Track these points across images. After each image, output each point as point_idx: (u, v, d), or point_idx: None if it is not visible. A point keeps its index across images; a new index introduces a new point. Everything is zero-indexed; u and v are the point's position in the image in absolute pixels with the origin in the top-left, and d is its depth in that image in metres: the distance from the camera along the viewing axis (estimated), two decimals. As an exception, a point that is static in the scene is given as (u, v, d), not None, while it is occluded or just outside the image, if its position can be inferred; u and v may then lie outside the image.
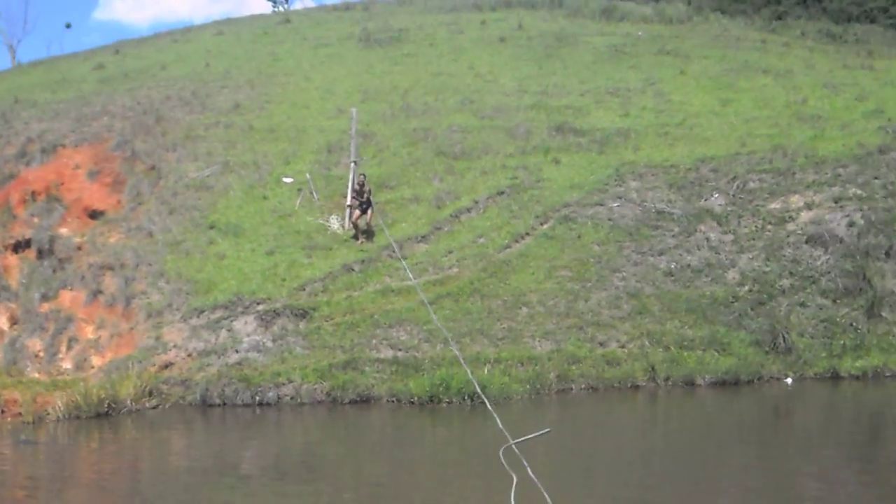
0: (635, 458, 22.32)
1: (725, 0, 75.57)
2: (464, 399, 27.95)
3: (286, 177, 40.55)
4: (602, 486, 19.80)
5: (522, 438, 20.37)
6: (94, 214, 38.55)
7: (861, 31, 66.99)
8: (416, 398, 28.22)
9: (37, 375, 31.42)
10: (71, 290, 34.66)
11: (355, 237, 35.69)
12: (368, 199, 35.63)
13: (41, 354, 32.39)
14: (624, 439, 24.65)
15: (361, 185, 35.72)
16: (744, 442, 24.03)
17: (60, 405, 27.65)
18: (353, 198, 36.36)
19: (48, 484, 21.12)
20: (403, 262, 33.11)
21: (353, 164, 37.70)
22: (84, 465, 23.85)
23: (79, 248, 36.46)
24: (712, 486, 19.49)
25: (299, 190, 39.27)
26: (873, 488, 18.96)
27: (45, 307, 34.05)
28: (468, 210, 37.38)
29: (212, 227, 36.93)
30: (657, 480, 19.92)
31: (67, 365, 31.87)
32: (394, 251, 34.28)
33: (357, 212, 35.79)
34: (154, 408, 28.74)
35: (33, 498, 20.12)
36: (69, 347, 32.46)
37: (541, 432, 21.13)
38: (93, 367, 31.38)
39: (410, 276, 32.34)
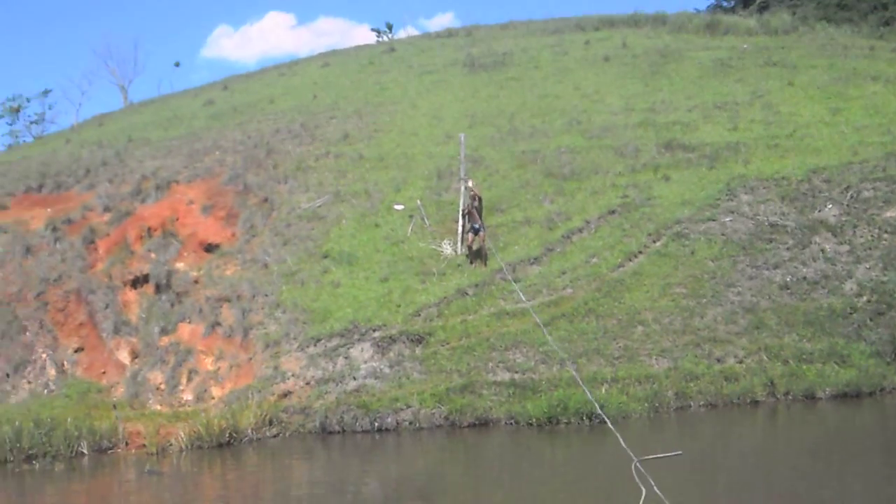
0: (759, 474, 21.99)
1: (830, 8, 74.67)
2: (582, 419, 27.93)
3: (397, 204, 40.76)
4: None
5: (651, 457, 20.11)
6: (209, 248, 39.12)
7: (973, 34, 65.82)
8: (534, 420, 28.21)
9: (158, 408, 31.94)
10: (189, 322, 35.19)
11: (471, 261, 35.70)
12: (480, 216, 35.76)
13: (162, 387, 32.91)
14: (747, 456, 24.33)
15: (473, 199, 35.86)
16: (870, 457, 23.55)
17: (183, 436, 28.17)
18: (465, 213, 36.58)
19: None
20: (515, 285, 33.06)
21: (462, 187, 37.74)
22: (207, 493, 24.21)
23: (196, 282, 37.00)
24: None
25: (410, 216, 39.46)
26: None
27: (165, 340, 34.61)
28: (580, 230, 37.22)
29: (325, 257, 37.27)
30: (784, 499, 19.63)
31: (188, 396, 32.35)
32: (507, 274, 34.31)
33: (470, 235, 35.81)
34: (274, 436, 29.14)
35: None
36: (189, 379, 32.95)
37: (672, 453, 20.85)
38: (213, 398, 31.86)
39: (523, 297, 32.30)
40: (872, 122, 44.99)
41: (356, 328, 32.42)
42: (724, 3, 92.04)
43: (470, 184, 37.15)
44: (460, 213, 37.33)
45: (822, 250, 35.30)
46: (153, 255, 38.52)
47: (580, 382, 26.89)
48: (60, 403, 31.89)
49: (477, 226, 35.65)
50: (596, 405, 25.52)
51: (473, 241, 35.86)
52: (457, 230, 37.57)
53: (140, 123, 62.21)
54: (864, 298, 33.22)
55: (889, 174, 38.49)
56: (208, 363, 33.41)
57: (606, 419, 22.82)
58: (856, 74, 52.75)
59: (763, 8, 78.66)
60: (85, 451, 28.48)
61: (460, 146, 39.57)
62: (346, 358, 31.50)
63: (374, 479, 24.52)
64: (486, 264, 35.52)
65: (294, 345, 32.58)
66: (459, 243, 37.07)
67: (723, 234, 36.18)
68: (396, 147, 47.69)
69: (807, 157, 41.22)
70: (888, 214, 36.52)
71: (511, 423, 28.53)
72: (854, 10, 74.27)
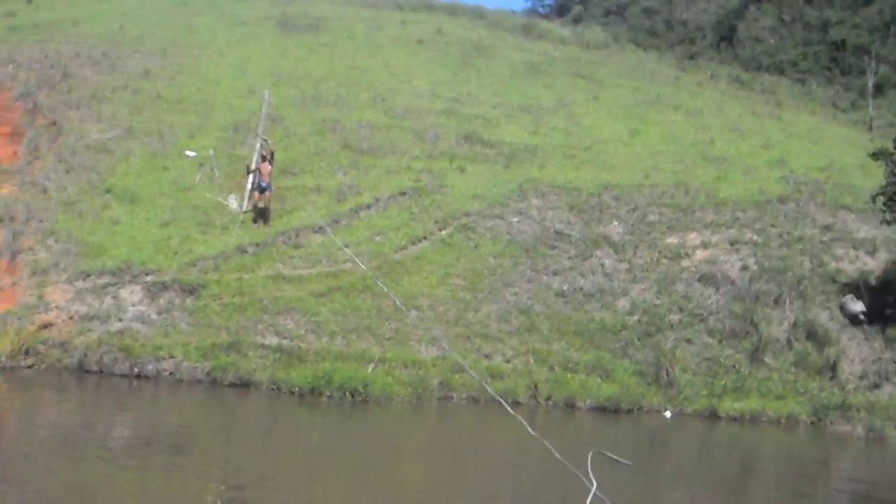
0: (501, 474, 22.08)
1: (641, 33, 76.62)
2: (345, 395, 27.80)
3: (189, 150, 39.96)
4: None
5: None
6: (-13, 164, 37.60)
7: (769, 81, 68.07)
8: (296, 388, 27.96)
9: (-87, 325, 30.51)
10: (-44, 238, 33.75)
11: (254, 219, 35.23)
12: (269, 175, 35.45)
13: (-81, 303, 31.51)
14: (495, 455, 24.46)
15: (266, 156, 35.62)
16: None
17: (-70, 354, 26.98)
18: (254, 170, 36.09)
19: None
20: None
21: (258, 143, 37.21)
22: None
23: (-33, 196, 35.55)
24: None
25: (201, 165, 38.75)
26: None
27: (-71, 254, 33.13)
28: (368, 207, 37.10)
29: (108, 192, 36.25)
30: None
31: (-55, 315, 31.02)
32: (290, 238, 34.00)
33: (257, 193, 35.33)
34: (29, 367, 28.11)
35: None
36: (-52, 297, 31.61)
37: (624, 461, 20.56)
38: (-30, 320, 30.57)
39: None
40: (668, 148, 46.23)
41: (129, 269, 31.58)
42: (540, 9, 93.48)
43: (268, 140, 36.63)
44: (250, 169, 36.65)
45: (602, 265, 35.95)
46: (-72, 164, 36.87)
47: (468, 369, 27.00)
48: None
49: (264, 184, 35.18)
50: (489, 389, 25.66)
51: (259, 199, 35.37)
52: (245, 186, 36.92)
53: (-70, 27, 59.72)
54: (636, 318, 33.96)
55: (676, 202, 39.48)
56: (-31, 282, 32.10)
57: (503, 402, 22.22)
58: (659, 101, 54.21)
59: (577, 20, 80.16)
60: None
61: (263, 102, 39.22)
62: (114, 298, 30.64)
63: (125, 424, 23.88)
64: (268, 224, 35.05)
65: (63, 276, 31.51)
66: (246, 200, 36.45)
67: (508, 234, 36.50)
68: (197, 92, 46.87)
69: (601, 173, 42.04)
70: (669, 240, 37.41)
71: (273, 389, 28.18)
72: (663, 39, 76.50)
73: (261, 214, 35.42)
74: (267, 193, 35.18)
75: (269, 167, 35.41)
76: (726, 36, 76.91)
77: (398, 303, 28.57)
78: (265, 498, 17.76)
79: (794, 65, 73.58)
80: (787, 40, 75.42)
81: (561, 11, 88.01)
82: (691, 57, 72.63)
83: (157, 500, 16.92)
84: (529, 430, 14.32)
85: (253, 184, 36.11)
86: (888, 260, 36.89)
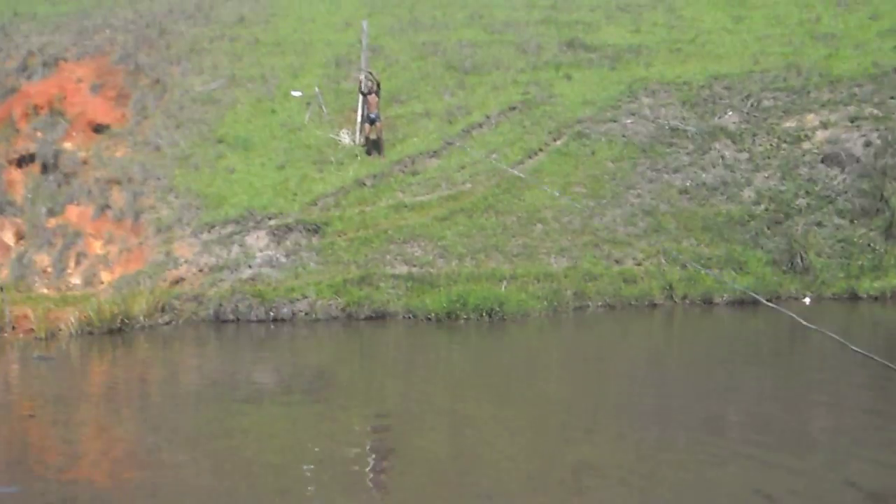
0: (651, 377, 21.80)
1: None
2: (481, 315, 27.74)
3: (295, 90, 39.88)
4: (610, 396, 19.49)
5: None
6: (98, 129, 37.84)
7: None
8: (432, 314, 27.95)
9: (45, 291, 30.96)
10: (78, 205, 34.10)
11: (367, 151, 35.08)
12: (378, 106, 35.16)
13: (49, 270, 31.92)
14: (642, 358, 24.21)
15: (372, 87, 35.18)
16: (760, 363, 23.43)
17: (73, 321, 27.37)
18: (363, 102, 35.84)
19: (58, 400, 20.67)
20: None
21: (362, 75, 36.94)
22: (97, 380, 23.57)
23: (84, 163, 35.84)
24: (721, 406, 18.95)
25: (308, 104, 38.62)
26: (881, 417, 18.40)
27: (53, 222, 33.52)
28: (480, 125, 36.75)
29: (220, 142, 36.36)
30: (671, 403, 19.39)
31: (76, 280, 31.42)
32: (406, 166, 33.90)
33: (367, 125, 35.15)
34: (167, 324, 28.48)
35: (43, 413, 19.74)
36: (78, 263, 31.99)
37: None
38: (102, 283, 30.97)
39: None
40: (774, 32, 44.90)
41: (251, 215, 31.73)
42: None
43: (372, 72, 36.34)
44: (359, 101, 36.49)
45: (722, 157, 35.26)
46: (39, 134, 37.12)
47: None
48: (-60, 284, 30.88)
49: (374, 115, 34.92)
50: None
51: (371, 130, 35.17)
52: (355, 119, 36.85)
53: (26, -3, 60.08)
54: (762, 207, 33.28)
55: (789, 85, 38.40)
56: (97, 247, 32.46)
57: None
58: (759, -19, 52.64)
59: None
60: (-31, 334, 27.62)
61: (362, 33, 38.91)
62: (240, 245, 30.86)
63: (266, 369, 24.01)
64: (382, 154, 34.89)
65: (187, 231, 31.80)
66: (358, 133, 36.36)
67: (623, 136, 35.95)
68: (293, 32, 46.69)
69: (708, 64, 41.03)
70: (787, 124, 36.51)
71: (409, 317, 28.23)
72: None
73: (374, 146, 35.21)
74: (377, 124, 34.91)
75: (377, 98, 35.07)
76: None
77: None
78: (411, 426, 17.65)
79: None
80: None
81: None
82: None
83: (303, 439, 16.85)
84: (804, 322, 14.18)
85: (363, 116, 35.94)
86: None
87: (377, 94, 35.09)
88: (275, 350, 26.52)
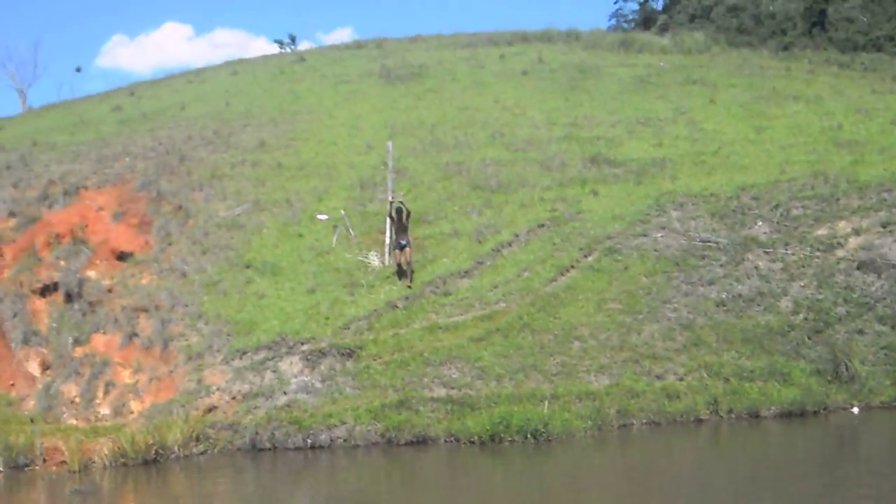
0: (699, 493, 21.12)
1: (731, 32, 74.76)
2: (526, 437, 27.08)
3: (320, 214, 39.61)
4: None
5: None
6: (121, 256, 37.48)
7: (868, 59, 65.71)
8: (475, 437, 27.32)
9: (74, 422, 30.40)
10: (104, 333, 33.64)
11: (399, 277, 34.56)
12: (407, 231, 34.56)
13: (77, 400, 31.38)
14: (690, 474, 23.57)
15: (401, 214, 34.58)
16: (808, 477, 22.76)
17: (106, 452, 26.77)
18: (392, 223, 35.32)
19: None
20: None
21: (390, 200, 36.59)
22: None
23: (109, 291, 35.44)
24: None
25: (335, 227, 38.28)
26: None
27: (79, 352, 33.02)
28: (509, 244, 36.43)
29: (248, 267, 35.96)
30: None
31: (105, 410, 30.86)
32: (437, 286, 33.48)
33: (397, 251, 34.64)
34: (202, 453, 27.84)
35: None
36: (106, 392, 31.46)
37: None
38: (132, 413, 30.43)
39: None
40: (797, 140, 44.87)
41: (284, 341, 31.26)
42: (625, 25, 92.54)
43: (401, 197, 35.90)
44: (387, 223, 36.19)
45: (756, 267, 34.89)
46: (62, 263, 36.74)
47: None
48: (-33, 418, 30.31)
49: (404, 242, 34.44)
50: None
51: (400, 256, 34.64)
52: (384, 241, 36.51)
53: (44, 128, 60.18)
54: (801, 316, 32.86)
55: (817, 192, 38.19)
56: (126, 376, 31.95)
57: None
58: (776, 94, 52.87)
59: (664, 29, 78.86)
60: (0, 468, 26.88)
61: (388, 154, 38.65)
62: (274, 371, 30.32)
63: (305, 498, 23.30)
64: (411, 281, 34.31)
65: (218, 357, 31.28)
66: (387, 255, 35.97)
67: (655, 250, 35.60)
68: (316, 156, 46.51)
69: (734, 175, 40.89)
70: (819, 232, 36.21)
71: (451, 441, 27.59)
72: (754, 35, 74.50)
73: (402, 273, 34.67)
74: (407, 250, 34.38)
75: (406, 226, 34.57)
76: (818, 21, 75.23)
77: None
78: None
79: (890, 39, 71.40)
80: (879, 16, 73.48)
81: (646, 24, 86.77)
82: (785, 48, 70.95)
83: None
84: None
85: (391, 240, 35.56)
86: None
87: (406, 220, 34.55)
88: (314, 478, 25.92)
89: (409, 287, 33.94)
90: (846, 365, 30.39)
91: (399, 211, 34.52)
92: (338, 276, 35.10)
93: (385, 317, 32.35)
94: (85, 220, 39.20)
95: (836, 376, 30.40)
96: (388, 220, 36.08)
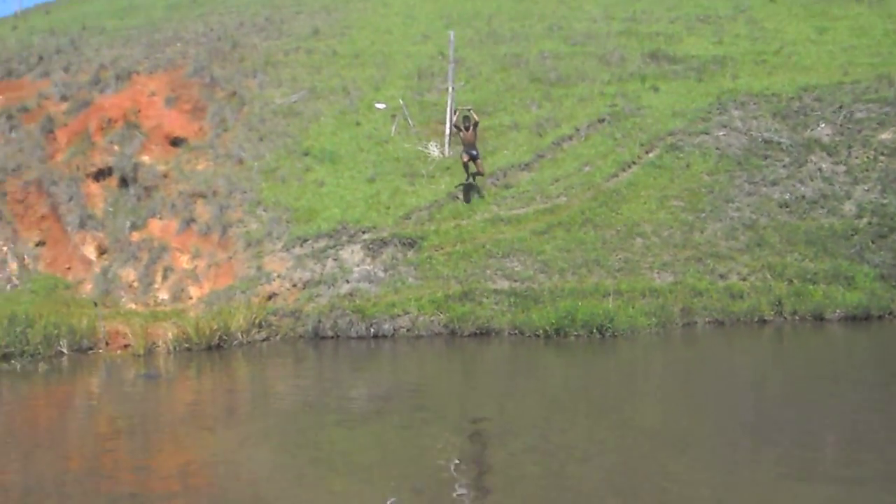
0: (750, 396, 20.86)
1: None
2: (591, 332, 26.84)
3: (378, 103, 39.16)
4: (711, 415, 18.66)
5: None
6: (175, 142, 37.20)
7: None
8: (540, 331, 27.10)
9: (133, 306, 30.37)
10: (161, 219, 33.51)
11: (468, 188, 33.62)
12: (475, 137, 33.35)
13: (135, 285, 31.33)
14: (745, 377, 23.28)
15: (467, 122, 33.22)
16: (868, 382, 22.23)
17: (170, 337, 26.74)
18: (457, 130, 34.34)
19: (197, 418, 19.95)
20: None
21: (457, 109, 35.89)
22: (206, 397, 22.69)
23: (165, 176, 35.22)
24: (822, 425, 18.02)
25: (393, 116, 37.89)
26: None
27: (136, 236, 32.93)
28: (570, 138, 35.97)
29: (306, 154, 35.62)
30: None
31: (164, 295, 30.81)
32: (498, 179, 33.11)
33: (468, 160, 33.71)
34: (264, 340, 27.90)
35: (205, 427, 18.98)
36: (165, 278, 31.41)
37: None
38: (191, 298, 30.40)
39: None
40: (860, 42, 43.97)
41: (344, 229, 31.03)
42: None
43: (471, 111, 34.84)
44: (448, 115, 35.72)
45: (819, 170, 34.37)
46: (116, 148, 36.55)
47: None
48: (27, 299, 30.33)
49: (474, 152, 33.42)
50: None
51: (469, 164, 33.74)
52: (442, 132, 36.10)
53: (92, 12, 59.84)
54: (865, 220, 32.40)
55: (881, 96, 37.43)
56: (184, 261, 31.84)
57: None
58: (838, -6, 51.70)
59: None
60: (64, 351, 26.87)
61: (450, 44, 38.01)
62: (335, 260, 30.14)
63: (364, 386, 23.08)
64: (482, 194, 33.33)
65: (278, 245, 31.09)
66: (447, 146, 35.55)
67: (717, 149, 35.09)
68: (371, 45, 46.00)
69: (796, 75, 40.15)
70: (883, 136, 35.57)
71: (515, 334, 27.40)
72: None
73: (470, 188, 33.57)
74: (478, 161, 33.33)
75: (474, 135, 33.46)
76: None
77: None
78: (508, 445, 16.83)
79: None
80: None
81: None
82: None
83: (394, 458, 16.33)
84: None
85: (452, 131, 34.96)
86: None
87: (474, 130, 33.30)
88: (377, 367, 25.65)
89: (483, 197, 33.25)
90: (912, 271, 30.06)
91: (467, 119, 33.27)
92: (397, 166, 34.76)
93: (446, 207, 32.10)
94: (137, 105, 38.87)
95: (902, 282, 30.06)
96: (454, 128, 34.99)
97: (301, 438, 17.81)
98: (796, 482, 14.18)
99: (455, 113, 33.73)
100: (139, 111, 38.59)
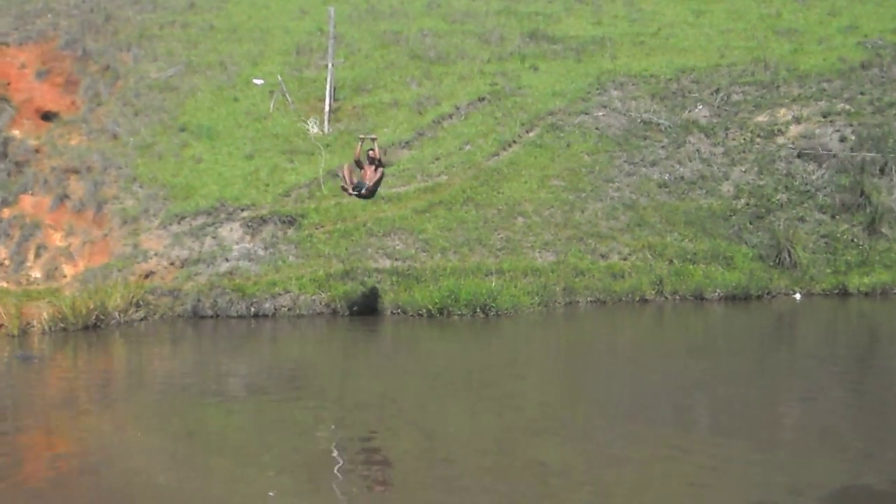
0: (627, 373, 21.07)
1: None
2: (475, 311, 26.96)
3: (256, 78, 38.61)
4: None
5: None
6: (47, 116, 36.24)
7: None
8: (423, 310, 27.20)
9: (5, 284, 29.46)
10: (33, 195, 32.49)
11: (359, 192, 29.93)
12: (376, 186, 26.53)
13: (7, 263, 30.33)
14: (624, 354, 23.55)
15: (372, 160, 26.14)
16: (743, 357, 22.70)
17: (45, 317, 26.03)
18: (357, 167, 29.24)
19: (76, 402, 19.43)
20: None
21: (360, 137, 32.91)
22: (85, 379, 22.12)
23: (36, 151, 34.22)
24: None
25: (271, 92, 37.37)
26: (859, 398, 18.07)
27: (7, 213, 31.88)
28: (450, 116, 35.88)
29: (183, 130, 34.98)
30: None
31: (37, 274, 29.92)
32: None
33: (353, 190, 28.74)
34: (142, 319, 27.36)
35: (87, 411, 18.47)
36: (38, 255, 30.45)
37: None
38: (65, 277, 29.57)
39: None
40: (736, 26, 44.48)
41: (223, 207, 30.52)
42: None
43: (373, 139, 29.11)
44: (327, 90, 35.41)
45: (698, 151, 34.88)
46: (-16, 121, 35.52)
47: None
48: None
49: (364, 192, 28.28)
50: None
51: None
52: (322, 108, 35.73)
53: (-42, -19, 58.12)
54: (743, 201, 33.10)
55: (757, 79, 37.99)
56: (58, 238, 30.95)
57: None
58: (714, -23, 52.17)
59: None
60: (-68, 333, 26.03)
61: (329, 20, 37.62)
62: (214, 238, 29.63)
63: (243, 366, 22.83)
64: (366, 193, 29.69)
65: (155, 222, 30.46)
66: (326, 122, 35.17)
67: (597, 129, 35.33)
68: (249, 19, 45.32)
69: (674, 57, 40.50)
70: (759, 119, 36.17)
71: (398, 313, 27.29)
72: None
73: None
74: (379, 170, 26.05)
75: (376, 177, 26.29)
76: None
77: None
78: (383, 423, 16.85)
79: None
80: None
81: None
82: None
83: (277, 435, 16.22)
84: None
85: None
86: None
87: (378, 171, 25.98)
88: (255, 347, 25.39)
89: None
90: (788, 251, 30.77)
91: (371, 157, 26.10)
92: (276, 143, 34.33)
93: (326, 185, 31.70)
94: (7, 78, 37.76)
95: (779, 262, 30.79)
96: (355, 164, 26.76)
97: (179, 420, 17.52)
98: (668, 461, 14.26)
99: (359, 143, 27.81)
100: (9, 84, 37.49)
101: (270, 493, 13.26)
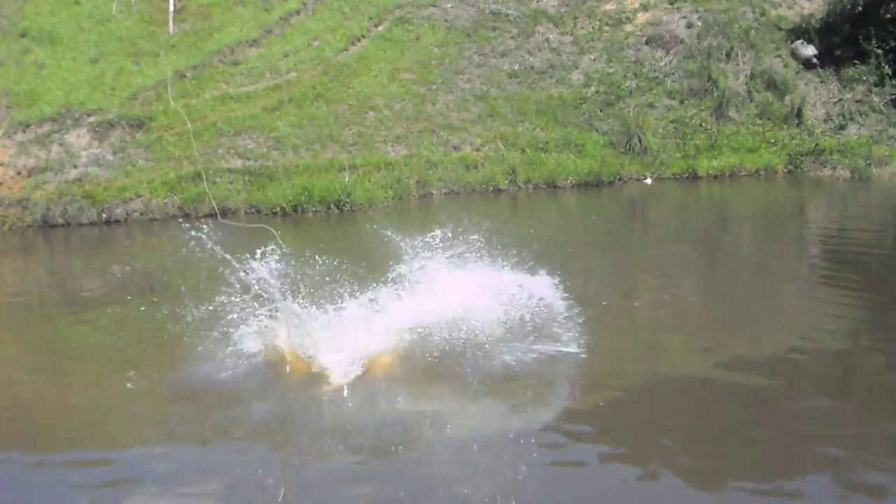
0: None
1: None
2: (330, 207, 26.78)
3: (95, -22, 37.69)
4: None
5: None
6: None
7: None
8: (277, 208, 26.79)
9: None
10: None
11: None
12: None
13: None
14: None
15: None
16: (600, 239, 23.14)
17: None
18: None
19: None
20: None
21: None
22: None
23: None
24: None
25: (112, -7, 36.54)
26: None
27: None
28: (297, 12, 35.67)
29: (24, 35, 34.07)
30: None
31: None
32: (226, 56, 32.41)
33: None
34: (-13, 231, 26.59)
35: None
36: None
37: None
38: None
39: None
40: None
41: (69, 112, 29.83)
42: None
43: None
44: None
45: (547, 40, 35.15)
46: None
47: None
48: None
49: None
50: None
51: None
52: (167, 9, 35.05)
53: None
54: (592, 89, 33.47)
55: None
56: None
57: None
58: None
59: None
60: None
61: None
62: (61, 145, 28.94)
63: (98, 272, 22.39)
64: None
65: (-1, 131, 29.75)
66: (171, 22, 34.55)
67: (446, 21, 35.37)
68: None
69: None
70: (607, 7, 36.68)
71: (252, 213, 26.94)
72: None
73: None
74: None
75: None
76: None
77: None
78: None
79: None
80: None
81: None
82: None
83: (135, 339, 15.93)
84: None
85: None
86: (826, 0, 36.12)
87: None
88: (108, 253, 24.74)
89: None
90: (638, 137, 31.25)
91: None
92: (121, 46, 33.68)
93: (174, 87, 31.17)
94: None
95: (629, 148, 31.27)
96: None
97: (35, 331, 17.20)
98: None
99: None
100: None
101: (130, 374, 13.17)
